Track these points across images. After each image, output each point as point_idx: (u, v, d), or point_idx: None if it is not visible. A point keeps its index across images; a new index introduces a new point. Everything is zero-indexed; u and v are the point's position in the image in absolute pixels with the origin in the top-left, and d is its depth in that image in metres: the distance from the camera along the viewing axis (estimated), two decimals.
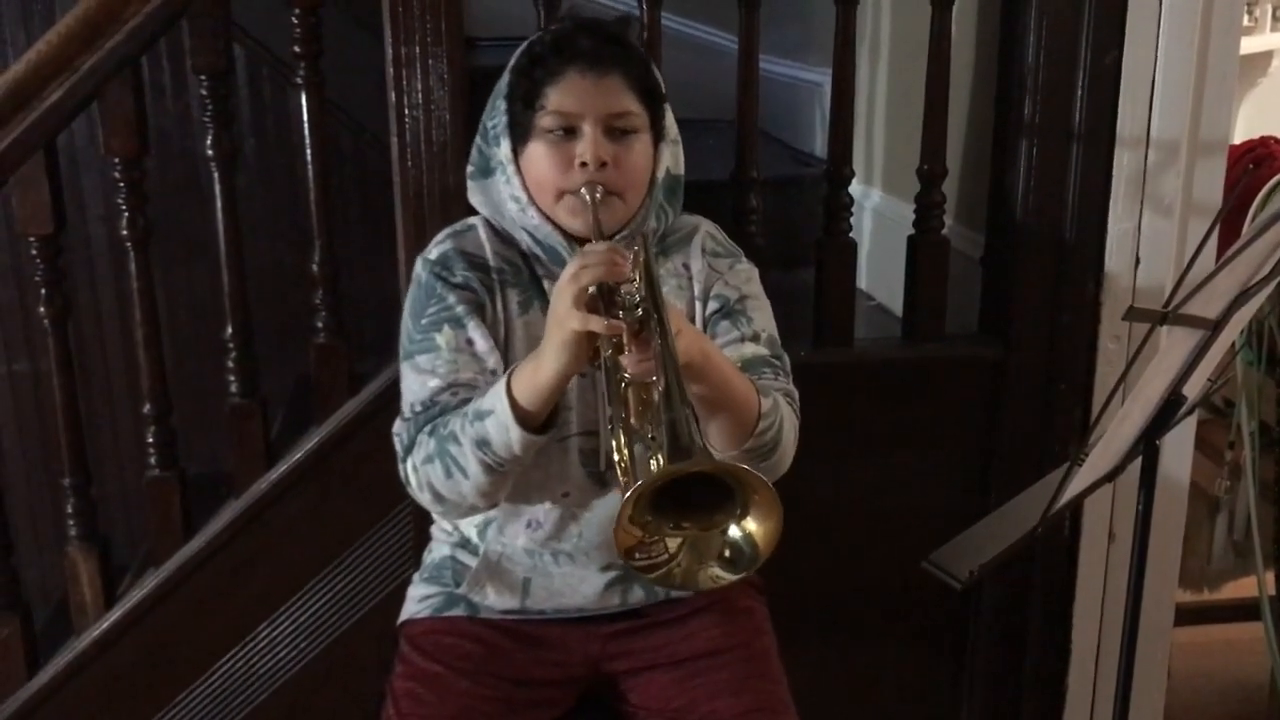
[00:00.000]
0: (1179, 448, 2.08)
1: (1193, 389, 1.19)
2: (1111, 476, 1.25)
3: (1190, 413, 1.26)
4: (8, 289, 2.87)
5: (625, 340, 1.24)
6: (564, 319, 1.26)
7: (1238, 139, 2.82)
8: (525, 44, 1.49)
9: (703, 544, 1.16)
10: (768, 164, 2.10)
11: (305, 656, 2.02)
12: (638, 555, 1.15)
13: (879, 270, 2.46)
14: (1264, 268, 1.05)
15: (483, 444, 1.35)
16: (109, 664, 1.98)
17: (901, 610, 2.07)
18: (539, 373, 1.31)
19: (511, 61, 1.49)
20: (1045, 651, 2.15)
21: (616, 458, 1.24)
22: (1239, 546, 2.46)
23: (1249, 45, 3.40)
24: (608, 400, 1.28)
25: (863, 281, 2.55)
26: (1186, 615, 2.50)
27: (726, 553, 1.16)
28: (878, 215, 2.56)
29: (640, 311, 1.24)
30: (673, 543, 1.16)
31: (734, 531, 1.15)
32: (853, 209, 2.02)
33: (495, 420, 1.34)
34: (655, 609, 1.57)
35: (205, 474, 2.11)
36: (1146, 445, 1.22)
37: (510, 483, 1.43)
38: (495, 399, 1.35)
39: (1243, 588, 2.54)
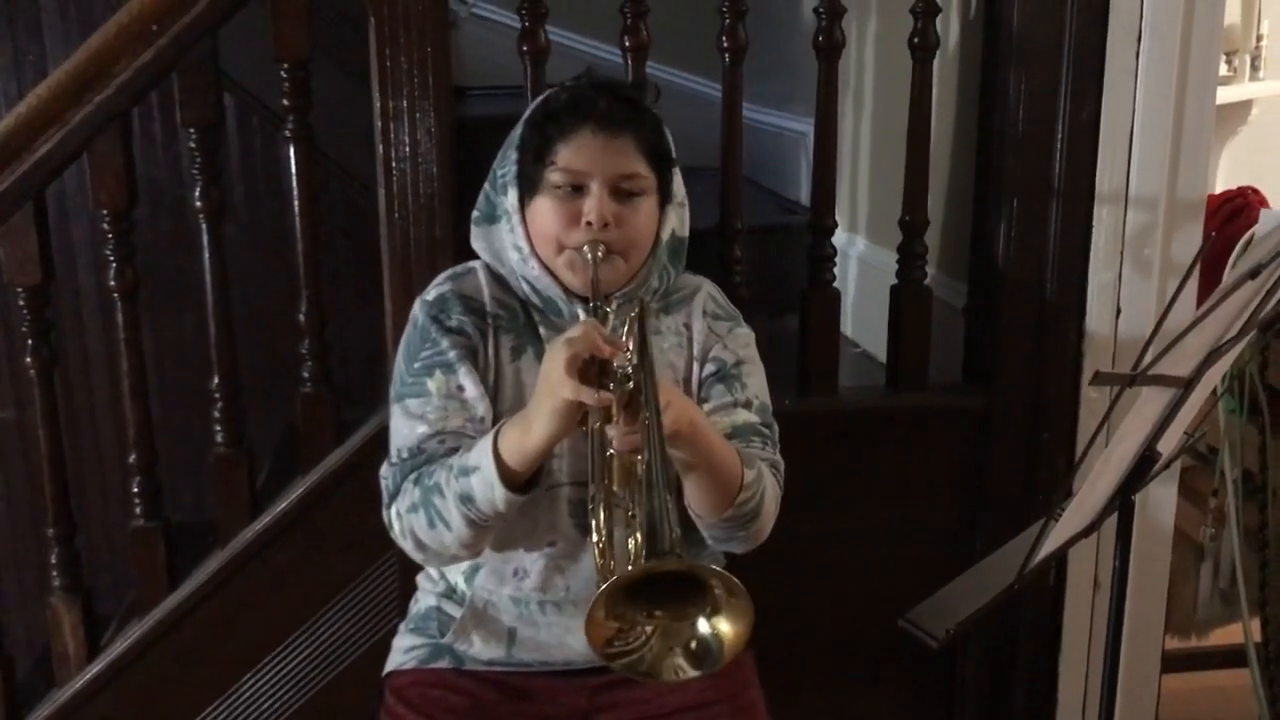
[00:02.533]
0: (1162, 496, 2.09)
1: (1168, 443, 1.20)
2: (1088, 532, 1.26)
3: (1165, 468, 1.27)
4: None
5: (614, 411, 1.25)
6: (557, 387, 1.27)
7: (1218, 188, 2.86)
8: (542, 98, 1.52)
9: (673, 632, 1.16)
10: (754, 212, 2.12)
11: (290, 708, 2.00)
12: (617, 643, 1.15)
13: (864, 318, 2.48)
14: (1233, 327, 1.07)
15: (467, 500, 1.36)
16: (91, 716, 1.96)
17: (888, 660, 2.06)
18: (527, 437, 1.32)
19: (526, 114, 1.52)
20: (1032, 700, 2.15)
21: (595, 538, 1.26)
22: (1225, 593, 2.47)
23: (1228, 95, 3.46)
24: (591, 475, 1.30)
25: (848, 328, 2.57)
26: (1175, 662, 2.50)
27: (693, 645, 1.16)
28: (862, 263, 2.58)
29: (631, 385, 1.25)
30: (647, 627, 1.16)
31: (703, 626, 1.15)
32: (837, 258, 2.03)
33: (480, 477, 1.35)
34: None
35: (191, 522, 2.10)
36: (1122, 502, 1.23)
37: (493, 535, 1.44)
38: (481, 456, 1.36)
39: (1231, 634, 2.54)
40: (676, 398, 1.34)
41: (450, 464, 1.40)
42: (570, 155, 1.44)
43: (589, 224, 1.43)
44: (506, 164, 1.51)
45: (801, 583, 1.98)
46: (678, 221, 1.54)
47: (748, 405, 1.51)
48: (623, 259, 1.46)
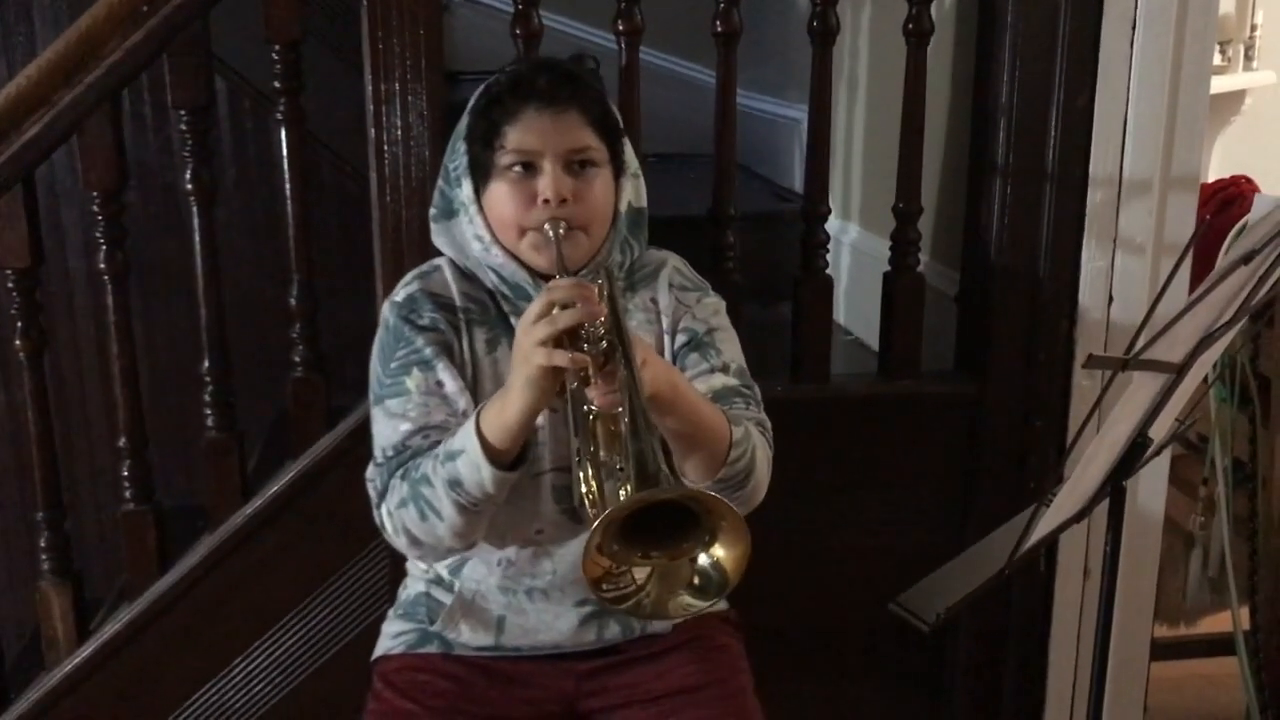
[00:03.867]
0: (1153, 484, 2.10)
1: (1160, 430, 1.20)
2: (1079, 518, 1.26)
3: (1157, 454, 1.27)
4: None
5: (591, 373, 1.24)
6: (529, 355, 1.27)
7: (1211, 177, 2.85)
8: (483, 86, 1.50)
9: (672, 573, 1.16)
10: (748, 199, 2.12)
11: (280, 692, 2.00)
12: (605, 586, 1.15)
13: (856, 305, 2.48)
14: (1226, 312, 1.07)
15: (455, 484, 1.36)
16: (81, 700, 1.96)
17: (878, 647, 2.07)
18: (506, 410, 1.32)
19: (470, 104, 1.50)
20: (1022, 688, 2.15)
21: (584, 490, 1.24)
22: (1214, 582, 2.47)
23: (1222, 84, 3.45)
24: (574, 432, 1.29)
25: (840, 316, 2.57)
26: (1164, 650, 2.51)
27: (695, 580, 1.16)
28: (855, 251, 2.58)
29: (605, 344, 1.25)
30: (641, 573, 1.16)
31: (702, 559, 1.15)
32: (830, 245, 2.03)
33: (466, 460, 1.34)
34: (631, 645, 1.57)
35: (182, 507, 2.10)
36: (1114, 487, 1.23)
37: (485, 522, 1.43)
38: (465, 438, 1.35)
39: (1219, 622, 2.55)
40: (654, 360, 1.32)
41: (436, 453, 1.39)
42: (518, 135, 1.43)
43: (546, 201, 1.42)
44: (456, 156, 1.50)
45: (792, 569, 1.98)
46: (634, 193, 1.53)
47: (725, 369, 1.50)
48: (584, 233, 1.45)
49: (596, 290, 1.30)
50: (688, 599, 1.17)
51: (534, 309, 1.29)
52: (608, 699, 1.56)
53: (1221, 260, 2.07)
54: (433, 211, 1.54)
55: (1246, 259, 1.03)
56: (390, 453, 1.44)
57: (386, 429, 1.46)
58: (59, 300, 2.85)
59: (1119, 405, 1.15)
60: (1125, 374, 1.14)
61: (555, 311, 1.27)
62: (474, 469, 1.34)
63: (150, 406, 2.00)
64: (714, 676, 1.56)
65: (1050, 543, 1.30)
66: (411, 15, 1.78)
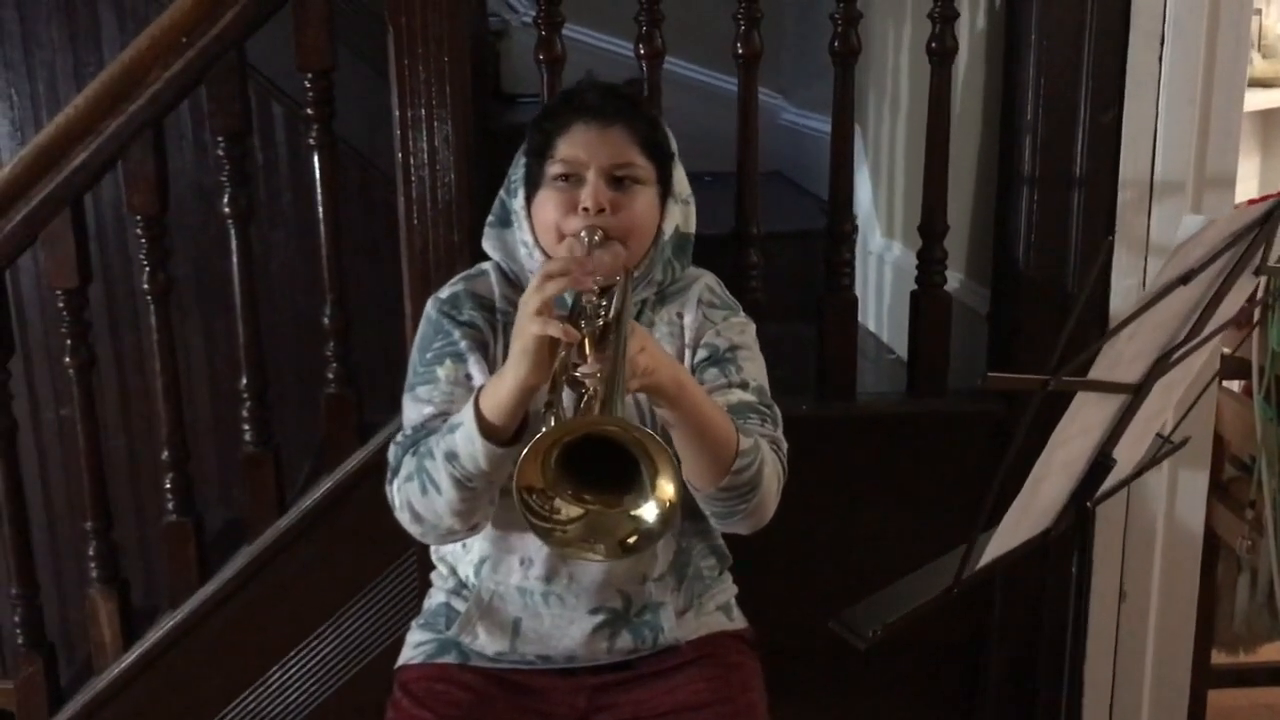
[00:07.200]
0: (1191, 501, 2.05)
1: (1136, 450, 1.18)
2: (1044, 538, 1.24)
3: (1142, 474, 1.24)
4: (57, 338, 2.97)
5: (587, 349, 1.27)
6: (525, 325, 1.30)
7: (1273, 191, 2.77)
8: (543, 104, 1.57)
9: (601, 526, 1.19)
10: (796, 215, 2.13)
11: (315, 700, 2.06)
12: (533, 497, 1.18)
13: (900, 324, 2.46)
14: (1179, 333, 1.05)
15: (452, 457, 1.39)
16: (125, 704, 2.04)
17: (906, 668, 2.05)
18: (501, 382, 1.35)
19: (531, 120, 1.57)
20: (1055, 711, 2.12)
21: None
22: (1268, 607, 2.40)
23: None
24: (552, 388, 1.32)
25: (884, 335, 2.56)
26: (1226, 677, 2.44)
27: (631, 540, 1.19)
28: (898, 269, 2.56)
29: (601, 324, 1.28)
30: (572, 511, 1.19)
31: (639, 511, 1.18)
32: (871, 263, 2.02)
33: (464, 432, 1.37)
34: (643, 662, 1.59)
35: (234, 519, 2.17)
36: (1078, 509, 1.21)
37: (484, 504, 1.45)
38: (465, 412, 1.39)
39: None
40: (657, 352, 1.34)
41: (442, 428, 1.43)
42: (566, 147, 1.50)
43: (585, 210, 1.47)
44: (517, 168, 1.57)
45: (816, 587, 1.97)
46: (681, 218, 1.57)
47: (744, 386, 1.52)
48: (621, 245, 1.49)
49: (591, 264, 1.34)
50: (589, 553, 1.20)
51: (532, 283, 1.32)
52: (617, 714, 1.57)
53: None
54: (490, 219, 1.60)
55: (1184, 279, 1.01)
56: (409, 432, 1.50)
57: (412, 412, 1.52)
58: (125, 316, 2.96)
59: (1063, 423, 1.13)
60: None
61: (543, 281, 1.30)
62: (469, 442, 1.37)
63: (210, 422, 2.07)
64: (723, 694, 1.57)
65: (1009, 563, 1.27)
66: (436, 42, 1.83)
